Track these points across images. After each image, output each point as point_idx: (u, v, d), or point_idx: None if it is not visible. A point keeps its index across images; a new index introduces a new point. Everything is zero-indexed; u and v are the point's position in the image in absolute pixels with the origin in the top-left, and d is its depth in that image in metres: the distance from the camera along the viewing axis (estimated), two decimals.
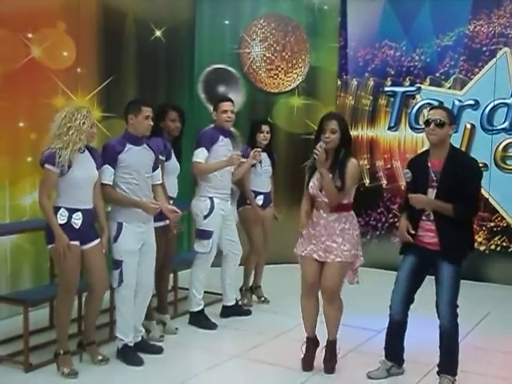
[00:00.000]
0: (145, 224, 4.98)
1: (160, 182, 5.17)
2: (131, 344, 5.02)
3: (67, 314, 4.74)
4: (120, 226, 4.88)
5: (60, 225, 4.54)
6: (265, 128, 6.52)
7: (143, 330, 5.21)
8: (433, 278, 4.51)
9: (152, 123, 5.01)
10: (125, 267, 4.87)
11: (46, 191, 4.57)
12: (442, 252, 4.43)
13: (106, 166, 4.81)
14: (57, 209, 4.57)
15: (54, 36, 6.44)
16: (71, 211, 4.59)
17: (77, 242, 4.61)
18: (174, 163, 5.62)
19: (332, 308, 4.84)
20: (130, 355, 4.98)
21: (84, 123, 4.57)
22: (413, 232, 4.52)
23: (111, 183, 4.84)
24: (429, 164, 4.49)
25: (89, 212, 4.69)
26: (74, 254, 4.59)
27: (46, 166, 4.52)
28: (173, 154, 5.59)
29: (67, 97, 6.53)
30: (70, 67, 6.62)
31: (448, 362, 4.56)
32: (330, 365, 4.92)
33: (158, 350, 5.18)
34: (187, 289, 6.07)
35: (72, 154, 4.51)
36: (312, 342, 4.99)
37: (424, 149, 4.86)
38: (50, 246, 4.64)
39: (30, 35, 6.19)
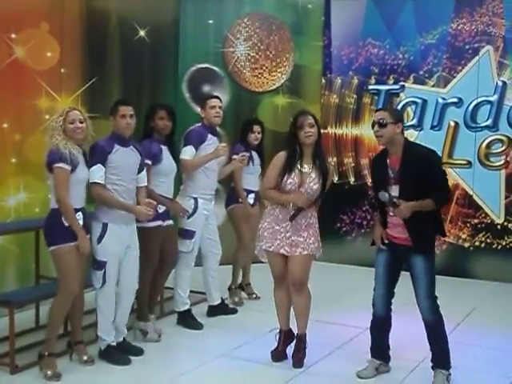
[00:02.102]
0: (128, 226, 4.96)
1: (145, 184, 5.13)
2: (114, 344, 5.02)
3: (62, 315, 4.75)
4: (105, 226, 4.86)
5: (66, 227, 4.54)
6: (256, 128, 6.54)
7: (126, 332, 5.18)
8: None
9: (130, 121, 4.94)
10: (109, 268, 4.86)
11: (65, 190, 4.51)
12: (413, 244, 4.48)
13: (98, 165, 4.77)
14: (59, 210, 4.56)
15: (38, 36, 6.42)
16: (75, 211, 4.59)
17: (75, 243, 4.60)
18: (166, 165, 5.52)
19: (301, 297, 4.94)
20: (115, 355, 4.97)
21: (58, 122, 4.58)
22: (386, 241, 4.62)
23: (103, 182, 4.80)
24: (388, 162, 4.56)
25: (84, 211, 4.71)
26: (75, 254, 4.59)
27: (58, 164, 4.49)
28: (166, 155, 5.51)
29: (51, 97, 6.51)
30: (53, 68, 6.60)
31: (439, 355, 4.60)
32: (297, 358, 4.98)
33: (139, 352, 5.15)
34: (172, 288, 6.07)
35: (67, 149, 4.51)
36: (285, 334, 5.08)
37: None
38: (51, 248, 4.60)
39: (13, 36, 6.17)
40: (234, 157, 6.24)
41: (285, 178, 4.81)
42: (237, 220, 6.57)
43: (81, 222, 4.63)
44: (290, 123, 4.93)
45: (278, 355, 5.06)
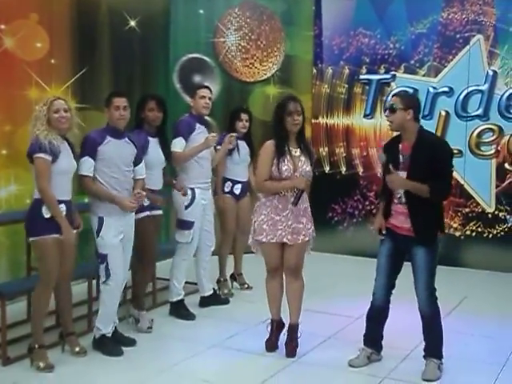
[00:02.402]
0: (124, 217, 4.96)
1: (143, 176, 5.13)
2: (109, 335, 5.02)
3: (45, 307, 4.72)
4: (101, 220, 4.86)
5: (46, 218, 4.52)
6: (244, 116, 6.53)
7: (117, 322, 5.19)
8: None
9: (123, 113, 4.93)
10: (110, 260, 4.87)
11: (46, 180, 4.50)
12: (415, 235, 4.49)
13: (86, 157, 4.77)
14: (41, 202, 4.53)
15: (27, 27, 6.39)
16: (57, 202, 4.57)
17: (58, 235, 4.58)
18: (155, 156, 5.50)
19: (296, 284, 4.98)
20: (109, 346, 4.98)
21: (42, 111, 4.54)
22: (384, 232, 4.65)
23: (91, 175, 4.80)
24: (400, 147, 4.56)
25: (69, 203, 4.69)
26: (56, 246, 4.57)
27: (38, 154, 4.46)
28: (153, 147, 5.48)
29: (41, 88, 6.48)
30: (43, 58, 6.57)
31: (432, 345, 4.63)
32: (291, 348, 5.00)
33: (131, 343, 5.17)
34: (167, 279, 6.08)
35: (47, 140, 4.47)
36: (277, 324, 5.10)
37: None
38: (32, 239, 4.60)
39: (2, 26, 6.15)
40: (219, 147, 6.21)
41: (280, 166, 4.80)
42: (220, 210, 6.55)
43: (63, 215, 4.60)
44: (275, 109, 4.91)
45: (272, 345, 5.08)
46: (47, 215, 4.53)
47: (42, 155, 4.47)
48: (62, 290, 4.84)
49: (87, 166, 4.77)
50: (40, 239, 4.55)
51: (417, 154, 4.46)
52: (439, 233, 4.55)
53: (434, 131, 7.93)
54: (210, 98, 5.97)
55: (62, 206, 4.60)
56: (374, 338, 4.87)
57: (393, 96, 4.73)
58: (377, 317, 4.81)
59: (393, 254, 4.65)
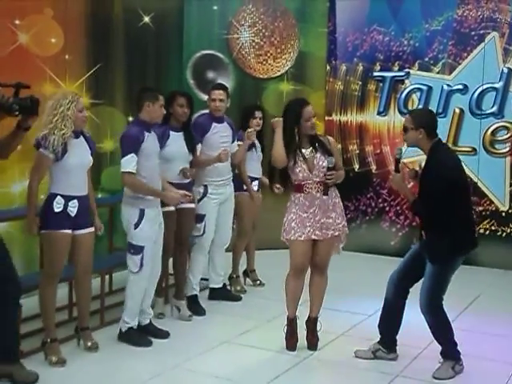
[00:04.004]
0: (157, 208, 5.11)
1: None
2: (135, 327, 5.10)
3: (51, 301, 4.74)
4: (142, 212, 4.94)
5: (56, 213, 4.55)
6: (258, 114, 6.54)
7: (152, 313, 5.29)
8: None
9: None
10: (146, 253, 4.96)
11: (38, 175, 4.56)
12: (425, 247, 4.53)
13: (132, 154, 4.82)
14: (53, 196, 4.58)
15: (42, 23, 6.41)
16: (67, 199, 4.60)
17: (69, 231, 4.62)
18: (175, 150, 5.57)
19: (322, 279, 5.05)
20: (136, 336, 5.05)
21: (69, 109, 4.54)
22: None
23: (135, 172, 4.85)
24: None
25: (84, 199, 4.71)
26: (64, 242, 4.60)
27: (39, 150, 4.52)
28: (174, 141, 5.56)
29: (55, 84, 6.50)
30: (57, 54, 6.59)
31: (443, 348, 4.64)
32: (313, 341, 5.04)
33: (165, 335, 5.25)
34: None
35: (59, 140, 4.49)
36: (295, 322, 5.07)
37: None
38: (41, 232, 4.64)
39: (17, 22, 6.16)
40: (239, 143, 6.23)
41: (294, 169, 4.84)
42: (240, 208, 6.54)
43: (75, 210, 4.62)
44: (287, 112, 4.93)
45: (294, 343, 5.04)
46: (58, 209, 4.56)
47: (43, 151, 4.51)
48: (81, 284, 4.88)
49: (133, 163, 4.83)
50: (48, 233, 4.59)
51: (422, 174, 4.52)
52: (453, 254, 4.49)
53: (447, 129, 7.94)
54: (221, 100, 5.96)
55: (75, 202, 4.63)
56: (381, 332, 4.86)
57: (407, 114, 4.79)
58: (385, 310, 4.82)
59: (415, 256, 4.67)
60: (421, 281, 4.63)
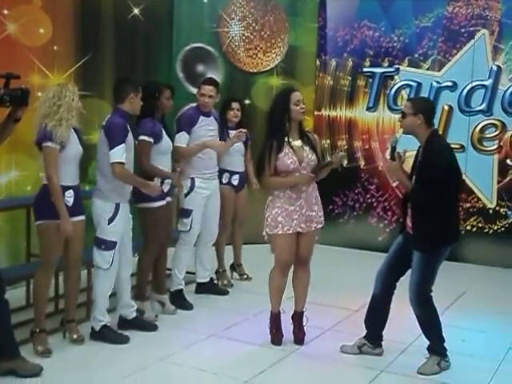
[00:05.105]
0: (128, 203, 5.09)
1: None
2: (109, 324, 5.03)
3: (46, 291, 4.75)
4: (117, 206, 4.88)
5: (53, 204, 4.53)
6: (235, 105, 6.49)
7: (135, 305, 5.26)
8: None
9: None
10: (117, 249, 4.91)
11: (56, 169, 4.51)
12: (412, 236, 4.53)
13: (122, 145, 4.74)
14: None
15: (30, 13, 6.36)
16: (64, 189, 4.58)
17: None
18: (166, 143, 5.54)
19: (305, 272, 5.05)
20: (111, 334, 4.99)
21: (73, 99, 4.58)
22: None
23: (125, 162, 4.77)
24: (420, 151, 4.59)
25: (77, 188, 4.71)
26: (60, 232, 4.59)
27: (47, 143, 4.48)
28: (164, 134, 5.52)
29: (43, 74, 6.46)
30: (46, 44, 6.55)
31: (431, 343, 4.65)
32: (300, 336, 5.05)
33: (153, 328, 5.24)
34: (168, 268, 6.08)
35: (67, 131, 4.51)
36: (279, 317, 5.07)
37: None
38: (38, 223, 4.62)
39: (5, 12, 6.12)
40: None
41: (284, 159, 4.80)
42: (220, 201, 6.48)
43: (71, 200, 4.62)
44: (276, 99, 4.96)
45: (280, 339, 5.05)
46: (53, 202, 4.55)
47: (50, 144, 4.49)
48: (70, 276, 4.85)
49: (122, 153, 4.76)
50: (45, 223, 4.57)
51: (419, 162, 4.52)
52: (443, 243, 4.52)
53: (436, 125, 7.92)
54: (210, 97, 5.94)
55: (70, 192, 4.63)
56: (367, 327, 4.87)
57: (407, 101, 4.77)
58: (372, 303, 4.82)
59: (400, 250, 4.68)
60: (408, 276, 4.63)
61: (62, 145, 4.52)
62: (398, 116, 8.08)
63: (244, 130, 6.21)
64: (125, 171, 4.81)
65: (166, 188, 5.48)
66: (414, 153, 4.66)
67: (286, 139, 4.84)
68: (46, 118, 4.51)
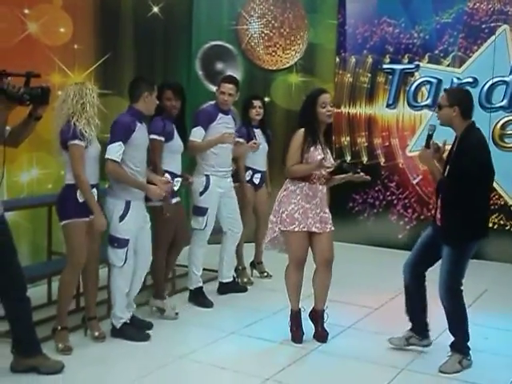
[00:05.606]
0: (143, 201, 5.03)
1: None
2: (128, 321, 5.04)
3: (72, 289, 4.80)
4: (128, 204, 4.85)
5: (80, 202, 4.57)
6: (256, 103, 6.48)
7: (134, 306, 5.22)
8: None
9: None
10: (130, 246, 4.91)
11: (83, 166, 4.53)
12: (440, 229, 4.47)
13: (120, 142, 4.72)
14: (76, 186, 4.57)
15: (51, 12, 6.40)
16: (90, 187, 4.61)
17: (89, 218, 4.65)
18: (177, 142, 5.53)
19: (328, 274, 5.00)
20: (131, 331, 5.00)
21: (94, 97, 4.61)
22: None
23: (119, 160, 4.74)
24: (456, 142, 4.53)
25: (98, 187, 4.75)
26: (86, 230, 4.63)
27: (75, 142, 4.50)
28: (176, 134, 5.51)
29: (64, 73, 6.50)
30: (66, 43, 6.58)
31: (455, 339, 4.60)
32: (322, 334, 5.04)
33: (148, 326, 5.20)
34: (185, 266, 6.09)
35: (95, 129, 4.57)
36: (299, 315, 5.06)
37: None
38: (63, 223, 4.63)
39: (26, 11, 6.16)
40: (239, 140, 6.25)
41: (314, 154, 4.80)
42: (239, 199, 6.45)
43: (96, 199, 4.66)
44: (305, 99, 4.95)
45: (301, 335, 5.04)
46: (82, 199, 4.58)
47: (77, 142, 4.50)
48: (90, 273, 4.87)
49: (119, 151, 4.73)
50: (71, 222, 4.59)
51: (454, 154, 4.45)
52: (471, 239, 4.47)
53: None
54: (230, 95, 5.90)
55: (94, 190, 4.66)
56: (410, 317, 4.84)
57: (443, 91, 4.73)
58: (407, 295, 4.80)
59: (428, 241, 4.64)
60: (432, 272, 4.60)
61: (89, 143, 4.55)
62: (418, 113, 8.24)
63: (258, 142, 6.28)
64: (117, 169, 4.76)
65: (176, 187, 5.47)
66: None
67: (317, 137, 4.86)
68: (73, 117, 4.52)
